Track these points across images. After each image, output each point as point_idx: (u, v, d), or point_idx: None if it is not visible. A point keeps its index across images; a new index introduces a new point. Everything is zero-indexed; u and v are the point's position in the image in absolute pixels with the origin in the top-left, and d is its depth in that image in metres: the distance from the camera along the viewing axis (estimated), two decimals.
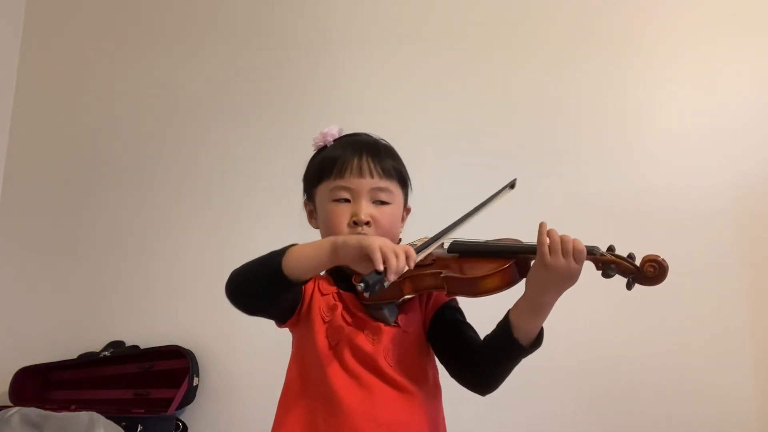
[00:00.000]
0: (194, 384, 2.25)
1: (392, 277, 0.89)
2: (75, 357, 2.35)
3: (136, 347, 2.33)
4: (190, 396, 2.24)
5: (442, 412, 1.18)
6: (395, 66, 2.44)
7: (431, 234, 1.08)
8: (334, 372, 1.08)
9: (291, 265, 0.98)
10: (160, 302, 2.41)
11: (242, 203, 2.44)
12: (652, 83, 2.24)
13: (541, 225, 0.99)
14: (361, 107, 2.41)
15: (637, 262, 0.97)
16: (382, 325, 1.11)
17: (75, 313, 2.45)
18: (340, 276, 1.17)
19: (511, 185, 1.14)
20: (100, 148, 2.62)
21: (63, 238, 2.56)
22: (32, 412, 2.04)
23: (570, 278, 0.97)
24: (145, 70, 2.65)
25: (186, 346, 2.28)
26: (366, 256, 0.91)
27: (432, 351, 1.17)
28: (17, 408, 2.06)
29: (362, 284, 0.87)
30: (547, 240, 0.96)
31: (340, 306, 1.12)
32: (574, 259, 0.95)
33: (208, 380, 2.29)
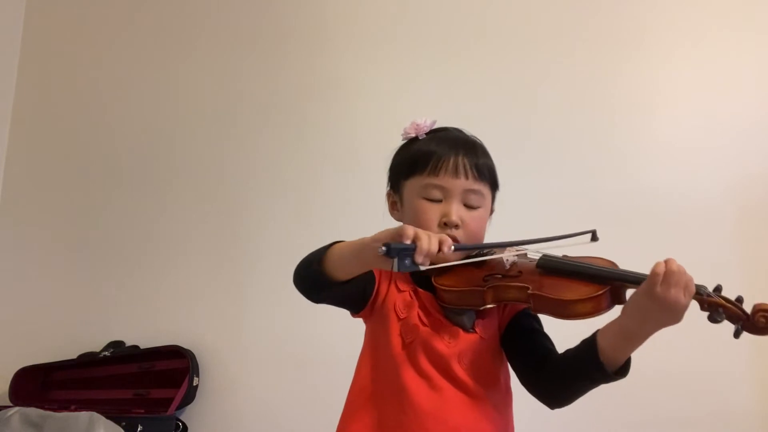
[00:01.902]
0: (194, 384, 2.24)
1: (420, 258, 0.87)
2: (75, 357, 2.35)
3: (136, 347, 2.33)
4: (190, 396, 2.23)
5: (512, 418, 1.16)
6: (392, 64, 2.43)
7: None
8: (406, 370, 1.07)
9: (329, 265, 0.98)
10: (160, 302, 2.41)
11: (243, 204, 2.44)
12: (652, 82, 2.24)
13: (658, 262, 0.93)
14: (361, 106, 2.41)
15: (747, 308, 0.92)
16: (460, 330, 1.09)
17: (75, 313, 2.45)
18: (419, 274, 1.14)
19: (593, 237, 1.07)
20: (101, 147, 2.62)
21: (63, 239, 2.56)
22: (32, 412, 2.04)
23: (673, 314, 0.92)
24: (145, 69, 2.65)
25: (186, 346, 2.28)
26: (398, 233, 0.89)
27: (505, 356, 1.15)
28: (17, 408, 2.06)
29: (384, 248, 0.85)
30: (662, 269, 0.91)
31: (416, 304, 1.10)
32: (684, 293, 0.90)
33: (208, 380, 2.29)
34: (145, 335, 2.35)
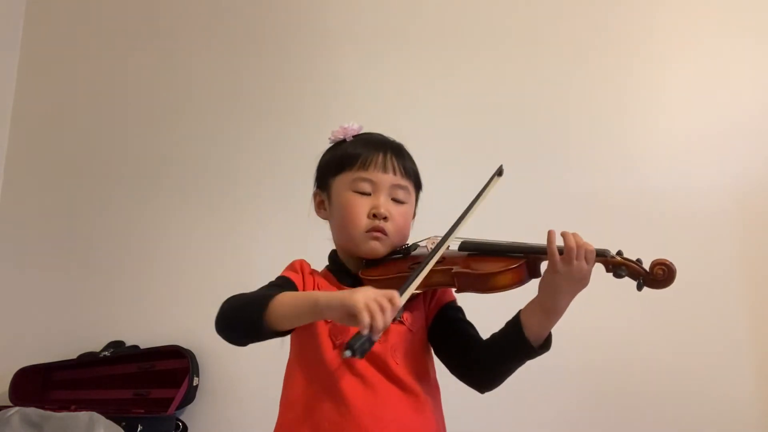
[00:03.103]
0: (194, 384, 2.24)
1: (377, 337, 0.89)
2: (75, 357, 2.35)
3: (136, 347, 2.33)
4: (190, 396, 2.23)
5: (442, 412, 1.18)
6: (394, 65, 2.43)
7: (436, 231, 1.08)
8: (340, 372, 1.08)
9: (272, 318, 0.99)
10: (160, 302, 2.41)
11: (243, 204, 2.44)
12: (653, 83, 2.24)
13: (550, 233, 1.00)
14: (362, 107, 2.41)
15: (646, 266, 0.99)
16: None
17: (75, 313, 2.45)
18: (343, 271, 1.17)
19: (499, 173, 1.15)
20: (101, 147, 2.62)
21: (63, 238, 2.56)
22: (32, 412, 2.04)
23: (581, 280, 0.99)
24: (146, 69, 2.65)
25: (186, 346, 2.28)
26: (351, 314, 0.89)
27: (432, 350, 1.18)
28: (17, 408, 2.06)
29: (348, 351, 0.85)
30: (558, 245, 0.98)
31: None
32: (585, 261, 0.98)
33: (208, 380, 2.29)
34: (145, 335, 2.35)
